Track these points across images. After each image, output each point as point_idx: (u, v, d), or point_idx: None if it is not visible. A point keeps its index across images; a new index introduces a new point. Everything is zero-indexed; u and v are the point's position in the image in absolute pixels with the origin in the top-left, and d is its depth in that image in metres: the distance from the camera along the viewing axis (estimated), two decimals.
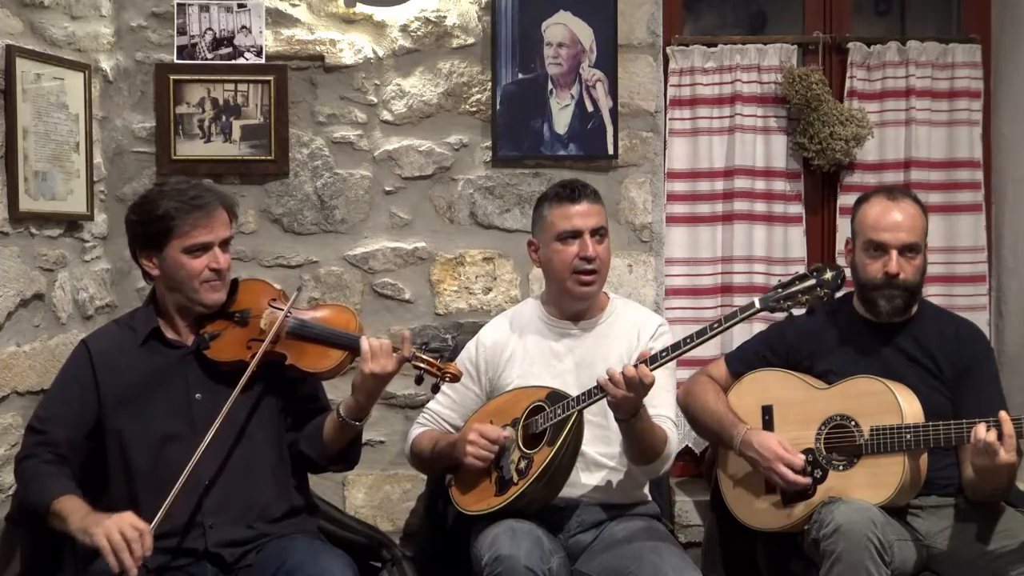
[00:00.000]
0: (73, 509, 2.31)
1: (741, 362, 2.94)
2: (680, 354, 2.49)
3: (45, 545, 2.60)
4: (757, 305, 2.45)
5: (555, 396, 2.62)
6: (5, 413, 2.69)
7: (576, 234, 2.71)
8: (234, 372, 2.45)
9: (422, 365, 2.47)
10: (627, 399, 2.44)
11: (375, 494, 3.44)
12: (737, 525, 2.83)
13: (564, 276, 2.74)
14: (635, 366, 2.42)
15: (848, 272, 2.95)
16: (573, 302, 2.78)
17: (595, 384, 2.60)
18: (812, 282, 2.43)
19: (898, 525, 2.63)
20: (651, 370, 2.43)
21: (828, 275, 2.43)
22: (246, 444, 2.50)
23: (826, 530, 2.48)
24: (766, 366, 2.88)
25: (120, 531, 2.18)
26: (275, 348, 2.49)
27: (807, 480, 2.67)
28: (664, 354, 2.48)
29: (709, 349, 2.66)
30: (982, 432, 2.46)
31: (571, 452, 2.58)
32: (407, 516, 3.42)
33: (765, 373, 2.87)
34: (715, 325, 2.47)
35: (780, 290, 2.45)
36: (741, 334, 3.37)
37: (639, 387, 2.42)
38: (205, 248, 2.48)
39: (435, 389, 2.56)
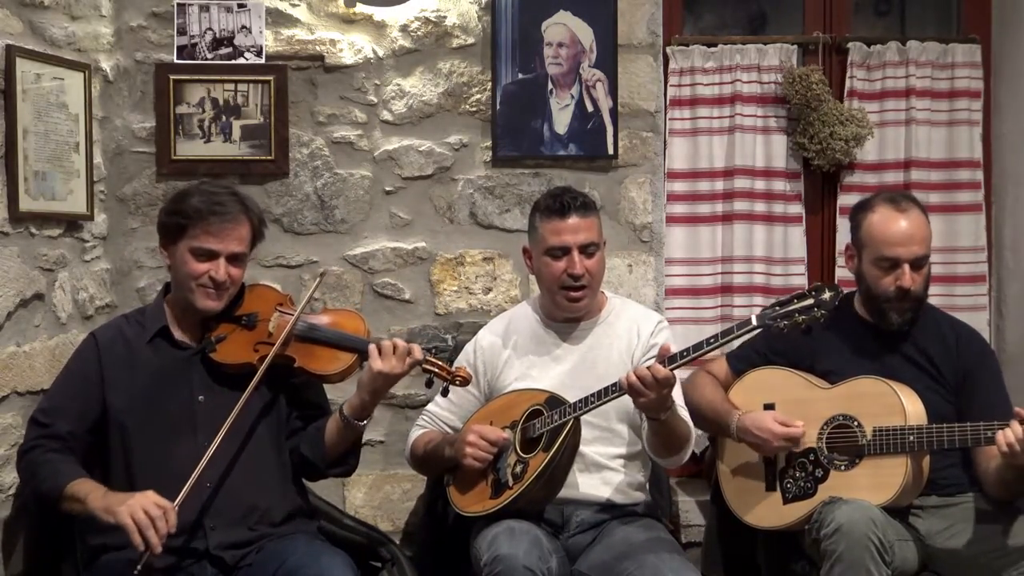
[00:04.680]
0: (90, 490, 2.31)
1: (742, 360, 2.93)
2: (693, 358, 2.44)
3: (48, 542, 2.60)
4: (754, 323, 2.42)
5: (553, 401, 2.62)
6: (5, 413, 2.68)
7: (565, 250, 2.70)
8: (239, 375, 2.46)
9: (433, 368, 2.49)
10: (651, 400, 2.42)
11: (375, 494, 3.43)
12: (737, 523, 2.83)
13: (553, 290, 2.74)
14: (648, 367, 2.39)
15: (847, 273, 2.96)
16: (564, 312, 2.78)
17: (594, 387, 2.60)
18: (810, 302, 2.38)
19: (899, 525, 2.63)
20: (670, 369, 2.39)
21: (827, 295, 2.38)
22: (251, 447, 2.50)
23: (827, 530, 2.48)
24: (768, 364, 2.88)
25: (144, 509, 2.19)
26: (284, 351, 2.49)
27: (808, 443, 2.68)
28: (681, 355, 2.43)
29: None
30: (1010, 436, 2.44)
31: (567, 457, 2.58)
32: (407, 516, 3.42)
33: (767, 371, 2.87)
34: (711, 340, 2.43)
35: (778, 308, 2.42)
36: None
37: (656, 386, 2.39)
38: (211, 255, 2.48)
39: (444, 393, 2.57)
